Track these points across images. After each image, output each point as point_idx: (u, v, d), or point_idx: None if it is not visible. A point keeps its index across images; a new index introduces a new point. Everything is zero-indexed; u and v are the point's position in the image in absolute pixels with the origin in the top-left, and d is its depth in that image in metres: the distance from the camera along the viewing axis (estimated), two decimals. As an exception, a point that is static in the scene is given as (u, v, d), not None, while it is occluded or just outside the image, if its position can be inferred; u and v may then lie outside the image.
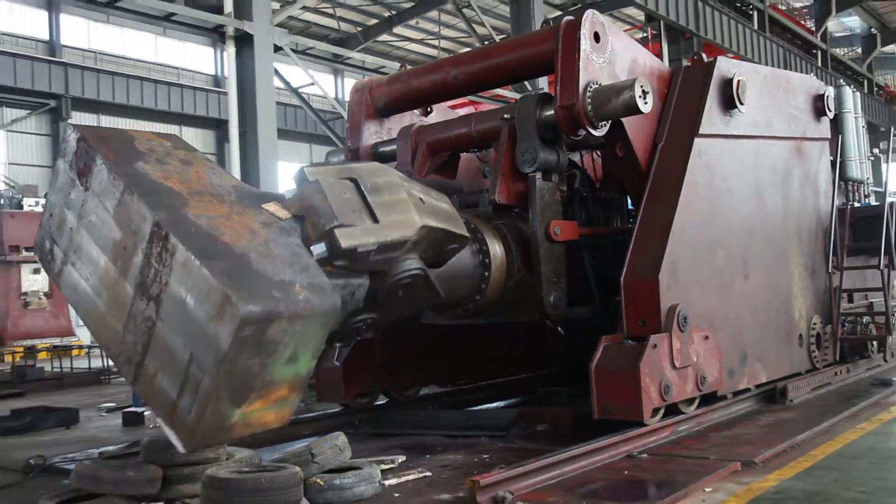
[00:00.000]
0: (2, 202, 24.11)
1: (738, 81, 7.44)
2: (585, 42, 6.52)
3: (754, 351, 7.56)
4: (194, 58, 33.81)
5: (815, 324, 8.68)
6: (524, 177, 6.93)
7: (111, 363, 13.88)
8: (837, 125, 9.99)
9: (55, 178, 5.11)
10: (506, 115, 7.05)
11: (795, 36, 31.27)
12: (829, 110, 9.28)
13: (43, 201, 21.46)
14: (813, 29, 33.55)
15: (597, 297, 7.46)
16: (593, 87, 6.50)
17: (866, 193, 10.82)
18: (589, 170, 8.36)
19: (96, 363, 15.44)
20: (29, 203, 23.65)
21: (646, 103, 6.35)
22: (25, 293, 21.27)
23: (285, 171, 13.62)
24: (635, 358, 6.01)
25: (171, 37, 32.53)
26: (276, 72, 13.09)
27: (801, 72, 26.10)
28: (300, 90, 14.77)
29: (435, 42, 33.53)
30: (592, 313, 7.58)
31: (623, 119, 6.77)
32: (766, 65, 24.81)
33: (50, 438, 8.48)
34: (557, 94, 6.58)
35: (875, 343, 9.78)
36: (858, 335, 9.50)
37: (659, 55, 21.95)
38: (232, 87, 12.52)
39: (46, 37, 29.85)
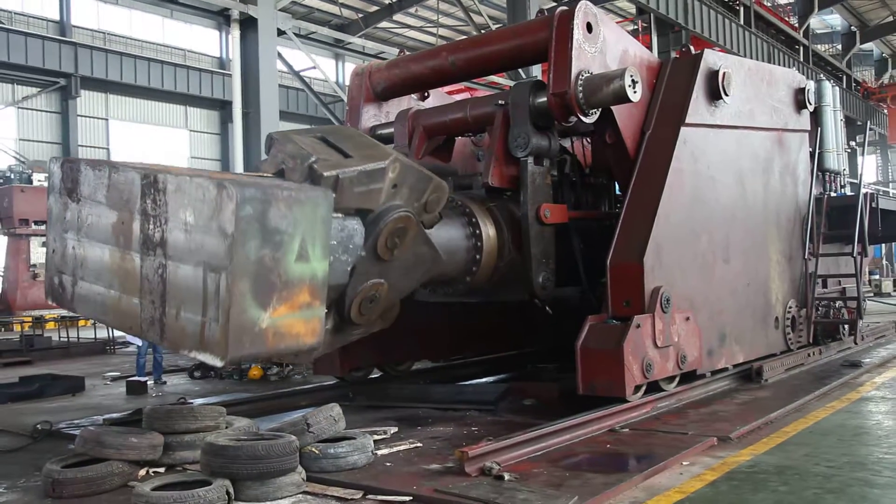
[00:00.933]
0: (12, 177, 24.29)
1: (724, 73, 7.69)
2: (578, 32, 6.74)
3: (732, 332, 7.87)
4: (200, 40, 34.04)
5: (790, 307, 9.02)
6: (516, 161, 7.16)
7: (117, 333, 14.17)
8: (817, 118, 10.29)
9: (49, 216, 5.45)
10: (500, 102, 7.27)
11: (779, 31, 31.76)
12: (810, 103, 9.57)
13: None
14: (796, 25, 34.06)
15: (584, 278, 7.73)
16: (585, 75, 6.72)
17: (842, 184, 11.16)
18: (579, 156, 8.60)
19: (102, 334, 15.75)
20: (38, 178, 23.97)
21: (635, 92, 6.59)
22: (34, 265, 21.56)
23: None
24: (619, 337, 6.29)
25: (178, 19, 32.89)
26: (279, 55, 13.23)
27: (784, 66, 26.47)
28: (302, 73, 14.90)
29: (433, 30, 33.63)
30: (580, 294, 7.88)
31: (613, 107, 7.00)
32: (751, 58, 25.16)
33: (56, 405, 8.70)
34: (550, 81, 6.80)
35: (846, 326, 10.14)
36: (831, 319, 9.86)
37: (649, 47, 22.21)
38: (236, 70, 12.71)
39: (57, 17, 30.22)
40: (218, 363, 4.33)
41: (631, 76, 6.56)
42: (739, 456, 5.36)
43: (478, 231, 6.95)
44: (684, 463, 5.21)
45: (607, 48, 7.08)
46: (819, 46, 39.19)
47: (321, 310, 4.79)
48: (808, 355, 9.22)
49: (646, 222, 6.83)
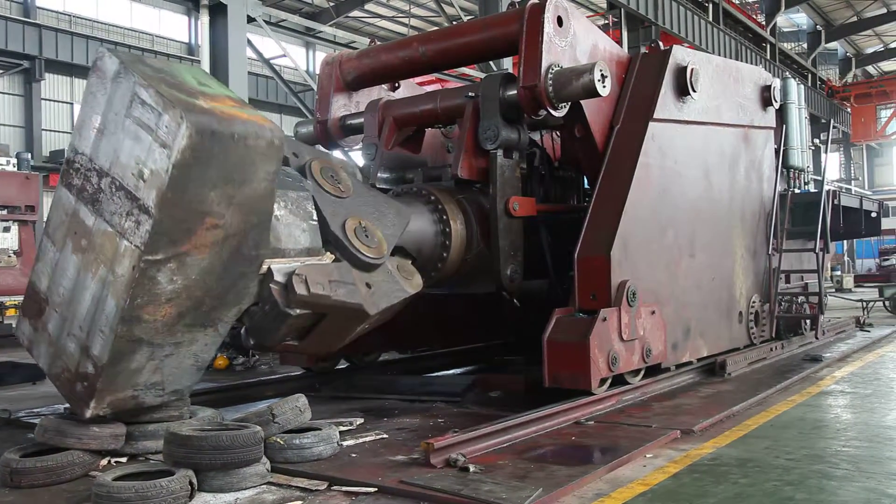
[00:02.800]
0: (-26, 160, 23.82)
1: (692, 70, 7.76)
2: (549, 25, 6.75)
3: (697, 326, 7.98)
4: (168, 25, 33.53)
5: (754, 302, 9.16)
6: (486, 153, 7.17)
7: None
8: (782, 115, 10.46)
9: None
10: (470, 94, 7.27)
11: (747, 29, 32.17)
12: (776, 101, 9.71)
13: (14, 160, 21.09)
14: (763, 23, 34.51)
15: (552, 271, 7.77)
16: (555, 69, 6.74)
17: (806, 181, 11.36)
18: (549, 149, 8.63)
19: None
20: (0, 162, 23.39)
21: (604, 87, 6.62)
22: None
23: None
24: (586, 330, 6.33)
25: (146, 3, 32.37)
26: (249, 42, 13.07)
27: (752, 63, 26.81)
28: (272, 61, 14.74)
29: (405, 20, 33.50)
30: (548, 287, 7.92)
31: (582, 101, 7.03)
32: (719, 55, 25.46)
33: (16, 393, 8.56)
34: (520, 74, 6.81)
35: (808, 321, 10.32)
36: (793, 314, 10.02)
37: (619, 42, 22.35)
38: (205, 56, 12.52)
39: (21, -2, 29.45)
40: None
41: (600, 71, 6.59)
42: (702, 448, 5.43)
43: (446, 222, 6.96)
44: (648, 455, 5.26)
45: (577, 42, 7.10)
46: (785, 44, 39.72)
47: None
48: (771, 349, 9.38)
49: (613, 216, 6.87)
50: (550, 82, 6.69)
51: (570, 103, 6.94)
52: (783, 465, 4.97)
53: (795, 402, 7.07)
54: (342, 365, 8.75)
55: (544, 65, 6.70)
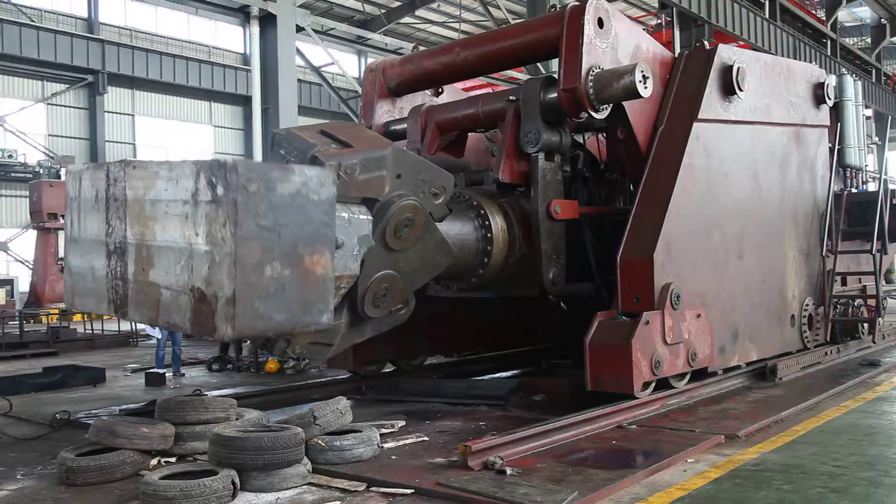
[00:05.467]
0: (41, 172, 24.90)
1: (738, 68, 7.63)
2: (589, 27, 6.73)
3: (746, 329, 7.82)
4: (224, 36, 34.42)
5: (807, 305, 8.93)
6: (527, 156, 7.17)
7: (139, 327, 14.58)
8: (838, 113, 10.17)
9: None
10: (511, 97, 7.28)
11: (806, 25, 31.19)
12: (829, 98, 9.46)
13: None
14: (823, 18, 33.44)
15: (597, 274, 7.72)
16: (595, 71, 6.71)
17: (864, 180, 11.03)
18: (595, 151, 8.56)
19: (126, 326, 16.11)
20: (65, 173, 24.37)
21: (646, 87, 6.56)
22: (62, 258, 21.98)
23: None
24: (628, 333, 6.28)
25: (202, 15, 33.32)
26: (298, 51, 13.35)
27: (811, 61, 26.14)
28: (322, 69, 15.01)
29: (455, 25, 33.63)
30: (594, 290, 7.86)
31: (624, 103, 6.98)
32: (776, 53, 24.85)
33: (77, 395, 8.90)
34: (561, 77, 6.80)
35: (865, 325, 10.02)
36: (850, 317, 9.74)
37: (671, 42, 22.04)
38: (255, 66, 12.85)
39: (85, 14, 30.78)
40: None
41: (641, 71, 6.53)
42: (746, 454, 5.33)
43: (488, 226, 6.97)
44: (689, 460, 5.20)
45: (619, 43, 7.06)
46: (847, 40, 38.51)
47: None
48: (826, 354, 9.13)
49: (656, 218, 6.80)
50: (591, 84, 6.66)
51: (611, 105, 6.90)
52: (830, 471, 4.85)
53: (849, 407, 6.89)
54: (389, 368, 8.85)
55: (585, 67, 6.68)
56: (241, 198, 4.37)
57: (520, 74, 16.63)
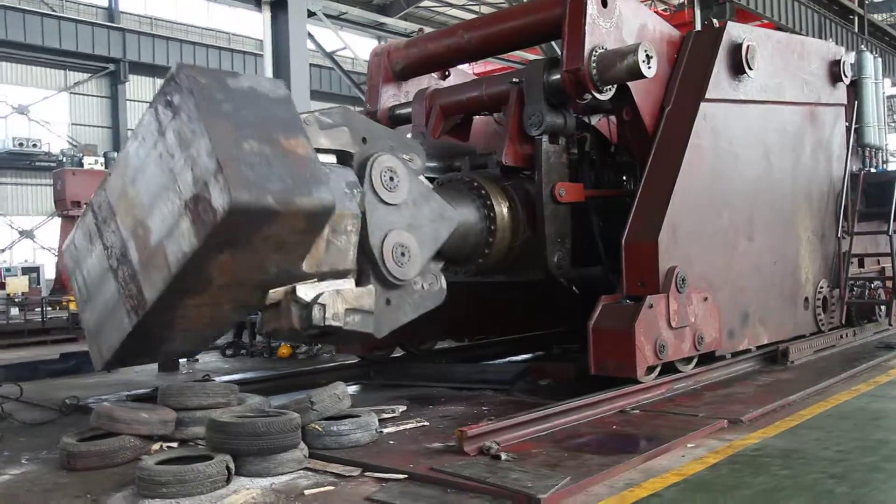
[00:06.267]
0: (64, 160, 25.24)
1: (748, 47, 7.48)
2: (592, 7, 6.63)
3: (756, 312, 7.71)
4: (244, 23, 34.30)
5: (821, 287, 8.78)
6: (531, 139, 7.10)
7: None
8: (856, 91, 9.94)
9: None
10: (514, 79, 7.20)
11: (832, 1, 30.51)
12: (846, 76, 9.25)
13: (101, 159, 22.51)
14: (851, -6, 32.65)
15: (604, 257, 7.63)
16: (599, 51, 6.61)
17: (885, 159, 10.79)
18: (607, 133, 8.44)
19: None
20: (89, 161, 24.88)
21: (649, 68, 6.46)
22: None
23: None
24: (631, 317, 6.21)
25: (221, 3, 33.24)
26: (310, 35, 13.30)
27: (837, 38, 25.57)
28: (337, 53, 14.95)
29: (476, 7, 33.34)
30: (603, 273, 7.78)
31: (630, 83, 6.88)
32: (801, 31, 24.33)
33: (91, 381, 9.00)
34: (563, 58, 6.71)
35: (883, 308, 9.84)
36: (866, 300, 9.56)
37: (692, 21, 21.65)
38: (267, 51, 12.81)
39: (106, 3, 31.03)
40: None
41: (645, 51, 6.43)
42: (748, 439, 5.26)
43: (491, 210, 6.93)
44: (689, 445, 5.14)
45: (623, 23, 6.94)
46: (876, 16, 37.62)
47: None
48: (841, 337, 8.99)
49: (662, 201, 6.71)
50: (594, 65, 6.57)
51: (616, 86, 6.80)
52: (831, 457, 4.77)
53: (860, 391, 6.77)
54: (398, 353, 8.85)
55: (587, 47, 6.58)
56: (196, 88, 4.71)
57: (535, 56, 16.44)
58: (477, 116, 8.30)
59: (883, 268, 10.20)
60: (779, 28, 21.19)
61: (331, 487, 4.51)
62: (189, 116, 4.71)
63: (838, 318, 9.09)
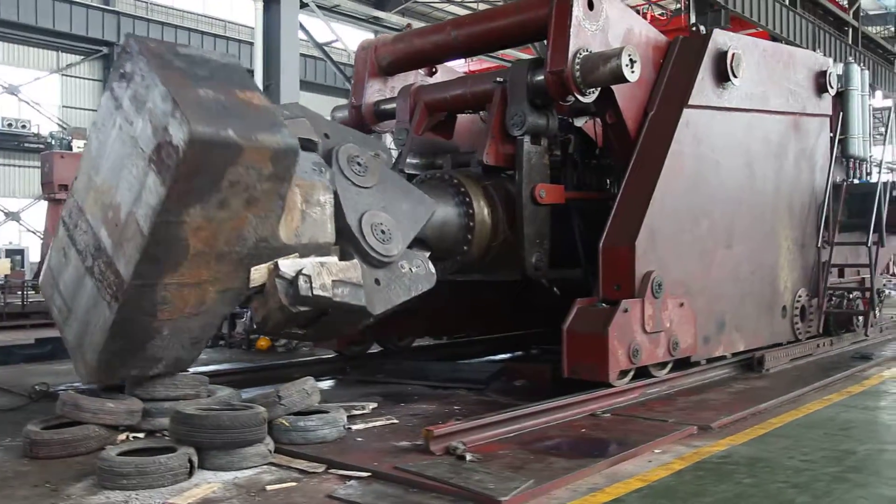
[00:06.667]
0: (53, 143, 25.05)
1: (733, 54, 7.48)
2: (578, 9, 6.61)
3: (733, 320, 7.72)
4: (240, 11, 34.05)
5: (800, 296, 8.80)
6: (513, 139, 7.08)
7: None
8: (843, 102, 9.97)
9: None
10: (499, 79, 7.18)
11: (827, 12, 30.57)
12: (831, 87, 9.27)
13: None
14: (846, 6, 32.79)
15: (584, 259, 7.63)
16: (583, 54, 6.59)
17: (868, 171, 10.83)
18: (594, 135, 8.40)
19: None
20: (78, 144, 24.67)
21: (633, 72, 6.44)
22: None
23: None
24: (605, 321, 6.21)
25: (217, -11, 33.08)
26: (302, 26, 13.25)
27: (830, 49, 25.65)
28: (330, 45, 14.88)
29: (474, 5, 33.23)
30: (583, 275, 7.77)
31: (613, 87, 6.87)
32: (795, 41, 24.40)
33: (66, 367, 8.83)
34: (548, 59, 6.69)
35: (861, 318, 9.87)
36: (844, 310, 9.59)
37: (687, 27, 21.65)
38: (258, 40, 12.76)
39: (102, -15, 30.61)
40: None
41: (629, 55, 6.41)
42: (715, 446, 5.26)
43: (470, 208, 6.92)
44: (656, 451, 5.13)
45: (609, 26, 6.93)
46: (870, 28, 37.80)
47: None
48: (818, 346, 9.02)
49: (640, 206, 6.71)
50: (578, 67, 6.56)
51: (599, 89, 6.78)
52: (795, 466, 4.78)
53: (832, 400, 6.79)
54: (376, 349, 8.82)
55: (572, 49, 6.57)
56: (146, 50, 4.89)
57: (529, 56, 16.40)
58: (464, 115, 8.27)
59: (863, 278, 10.24)
60: (773, 37, 21.25)
61: (293, 483, 4.48)
62: (142, 76, 4.86)
63: (816, 328, 9.12)
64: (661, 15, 31.27)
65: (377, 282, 5.81)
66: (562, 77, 6.59)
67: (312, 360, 8.68)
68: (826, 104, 9.44)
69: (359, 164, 5.99)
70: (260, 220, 5.18)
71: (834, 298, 9.45)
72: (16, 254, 25.24)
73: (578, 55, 6.57)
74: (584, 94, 6.68)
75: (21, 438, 5.31)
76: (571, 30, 6.56)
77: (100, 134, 5.24)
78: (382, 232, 5.88)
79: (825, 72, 9.21)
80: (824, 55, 10.10)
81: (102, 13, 29.40)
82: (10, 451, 5.21)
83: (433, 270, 6.22)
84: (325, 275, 5.45)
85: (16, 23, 26.96)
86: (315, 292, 5.34)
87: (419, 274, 6.12)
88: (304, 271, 5.34)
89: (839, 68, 10.05)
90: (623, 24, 7.11)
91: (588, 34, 6.71)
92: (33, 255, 25.88)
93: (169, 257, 4.93)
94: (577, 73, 6.54)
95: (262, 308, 5.51)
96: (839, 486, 4.39)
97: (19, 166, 29.20)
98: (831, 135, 9.63)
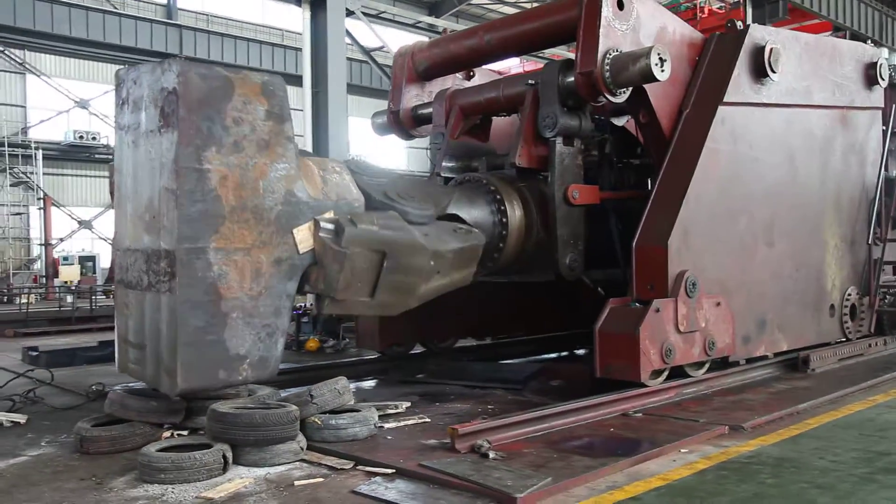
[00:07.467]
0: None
1: (771, 49, 7.37)
2: (607, 9, 6.62)
3: (775, 319, 7.60)
4: (296, 20, 34.83)
5: (849, 294, 8.60)
6: (546, 141, 7.13)
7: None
8: (898, 94, 9.69)
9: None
10: (530, 81, 7.23)
11: (898, -1, 29.46)
12: (882, 79, 9.02)
13: None
14: (918, -12, 31.49)
15: (622, 260, 7.62)
16: (613, 54, 6.60)
17: (928, 164, 10.47)
18: (636, 134, 8.36)
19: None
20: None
21: (662, 71, 6.42)
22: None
23: (358, 126, 14.58)
24: (636, 321, 6.21)
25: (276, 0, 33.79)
26: (349, 32, 13.52)
27: (897, 37, 24.70)
28: (381, 50, 15.12)
29: (527, 4, 33.22)
30: (623, 275, 7.77)
31: (646, 86, 6.85)
32: (860, 29, 23.62)
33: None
34: (578, 60, 6.72)
35: (919, 317, 9.56)
36: (898, 308, 9.32)
37: (743, 20, 21.20)
38: (306, 47, 13.04)
39: (165, 1, 31.82)
40: None
41: (658, 54, 6.40)
42: (745, 446, 5.23)
43: (503, 211, 6.99)
44: (682, 451, 5.13)
45: (641, 25, 6.91)
46: (945, 13, 36.19)
47: None
48: (869, 346, 8.79)
49: (674, 205, 6.68)
50: (608, 68, 6.57)
51: (631, 89, 6.78)
52: (824, 466, 4.73)
53: (876, 402, 6.64)
54: (419, 350, 8.96)
55: (601, 50, 6.58)
56: (125, 72, 5.83)
57: (571, 55, 16.37)
58: (504, 117, 8.35)
59: (922, 276, 9.93)
60: (836, 28, 20.61)
61: (321, 479, 4.65)
62: (132, 81, 5.62)
63: (867, 327, 8.89)
64: (720, 8, 30.67)
65: (425, 235, 6.05)
66: (592, 78, 6.62)
67: (357, 360, 8.88)
68: (878, 96, 9.20)
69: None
70: (281, 170, 5.46)
71: (888, 297, 9.18)
72: (88, 260, 26.31)
73: (608, 55, 6.58)
74: (614, 95, 6.69)
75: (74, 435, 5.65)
76: (601, 30, 6.57)
77: (121, 177, 5.76)
78: (411, 198, 6.27)
79: (875, 63, 8.98)
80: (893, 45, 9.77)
81: (165, 27, 30.43)
82: (65, 447, 5.53)
83: (481, 235, 6.52)
84: (363, 220, 5.70)
85: (85, 39, 28.10)
86: (361, 227, 5.60)
87: (468, 232, 6.46)
88: (342, 220, 5.62)
89: (894, 58, 9.78)
90: (655, 22, 7.08)
91: (618, 34, 6.72)
92: (104, 262, 26.93)
93: (206, 213, 5.12)
94: (607, 74, 6.55)
95: (320, 273, 5.60)
96: (865, 487, 4.33)
97: (90, 176, 30.43)
98: (884, 128, 9.37)
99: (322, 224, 5.58)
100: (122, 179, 5.75)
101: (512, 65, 22.43)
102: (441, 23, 18.75)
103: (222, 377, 5.29)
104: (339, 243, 5.53)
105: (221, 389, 5.74)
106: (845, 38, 22.63)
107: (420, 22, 18.18)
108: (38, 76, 28.24)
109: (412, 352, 8.87)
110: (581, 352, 9.74)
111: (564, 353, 9.73)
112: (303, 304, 11.60)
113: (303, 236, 5.53)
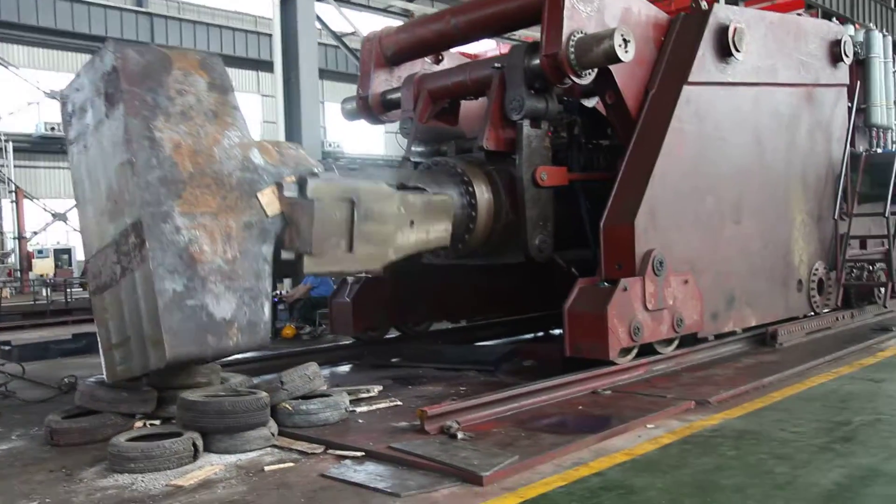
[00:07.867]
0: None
1: (735, 29, 7.43)
2: (571, -9, 6.64)
3: (743, 295, 7.72)
4: (269, 6, 34.40)
5: (817, 269, 8.74)
6: (513, 124, 7.16)
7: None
8: (863, 70, 9.80)
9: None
10: (496, 64, 7.26)
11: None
12: (847, 56, 9.12)
13: None
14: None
15: (592, 240, 7.69)
16: (577, 36, 6.64)
17: (894, 140, 10.62)
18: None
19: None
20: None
21: (626, 52, 6.47)
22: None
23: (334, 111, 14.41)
24: (604, 300, 6.28)
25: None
26: (319, 18, 13.47)
27: (871, 15, 24.92)
28: (353, 35, 15.08)
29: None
30: (592, 255, 7.84)
31: (612, 67, 6.89)
32: (833, 7, 23.80)
33: (99, 361, 9.27)
34: (543, 43, 6.75)
35: (882, 289, 9.73)
36: (864, 282, 9.46)
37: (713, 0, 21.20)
38: (276, 34, 12.98)
39: (136, -11, 31.34)
40: None
41: (622, 35, 6.44)
42: (709, 420, 5.33)
43: (472, 194, 7.02)
44: (648, 426, 5.21)
45: (605, 7, 6.95)
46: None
47: None
48: (836, 319, 8.94)
49: (640, 184, 6.74)
50: (572, 50, 6.60)
51: (596, 70, 6.82)
52: (784, 438, 4.83)
53: (840, 373, 6.77)
54: (393, 334, 9.01)
55: (566, 32, 6.62)
56: (69, 88, 5.90)
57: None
58: (474, 101, 8.36)
59: (888, 250, 10.07)
60: (808, 5, 20.70)
61: (291, 464, 4.68)
62: (75, 88, 5.76)
63: (835, 301, 9.03)
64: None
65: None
66: (557, 60, 6.65)
67: (332, 346, 8.91)
68: (842, 73, 9.30)
69: None
70: (233, 137, 5.54)
71: (854, 271, 9.33)
72: (63, 253, 26.09)
73: (573, 38, 6.62)
74: (580, 76, 6.74)
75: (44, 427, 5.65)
76: (565, 12, 6.60)
77: (78, 187, 5.86)
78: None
79: (839, 40, 9.08)
80: (864, 22, 9.84)
81: (136, 15, 30.07)
82: (35, 439, 5.52)
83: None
84: (327, 175, 5.88)
85: (54, 29, 27.77)
86: (324, 176, 5.78)
87: (435, 191, 6.74)
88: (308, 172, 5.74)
89: (860, 35, 9.89)
90: (620, 4, 7.12)
91: (583, 16, 6.75)
92: (80, 254, 26.70)
93: (165, 179, 5.17)
94: (572, 56, 6.59)
95: (293, 231, 5.67)
96: (821, 456, 4.44)
97: (64, 168, 30.06)
98: (850, 105, 9.48)
99: (285, 184, 5.68)
100: (80, 188, 5.78)
101: (489, 48, 22.46)
102: (414, 7, 18.67)
103: (212, 343, 5.21)
104: (305, 195, 5.65)
105: (188, 379, 5.79)
106: (817, 15, 22.82)
107: (392, 6, 18.09)
108: (6, 67, 27.79)
109: (387, 336, 8.91)
110: (557, 332, 9.81)
111: (540, 334, 9.82)
112: (279, 292, 11.61)
113: (268, 199, 5.58)
